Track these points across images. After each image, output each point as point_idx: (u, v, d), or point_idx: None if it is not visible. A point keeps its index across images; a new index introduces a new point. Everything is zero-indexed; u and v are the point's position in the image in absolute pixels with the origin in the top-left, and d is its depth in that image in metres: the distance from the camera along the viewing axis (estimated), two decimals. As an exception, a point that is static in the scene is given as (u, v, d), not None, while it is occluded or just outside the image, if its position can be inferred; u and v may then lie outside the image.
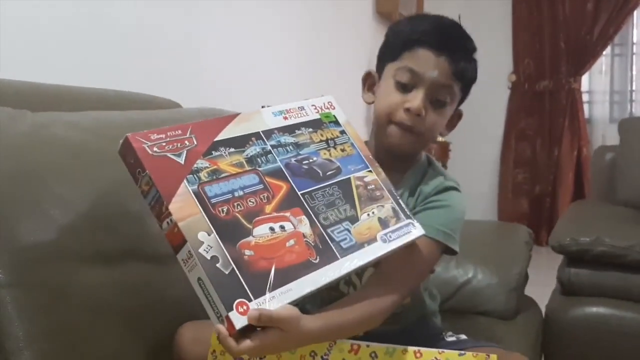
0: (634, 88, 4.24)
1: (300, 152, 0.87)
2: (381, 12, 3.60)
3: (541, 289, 1.90)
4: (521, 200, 4.40)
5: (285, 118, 0.90)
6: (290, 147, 0.87)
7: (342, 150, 0.92)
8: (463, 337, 1.11)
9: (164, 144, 0.78)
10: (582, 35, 4.15)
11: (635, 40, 4.22)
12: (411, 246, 0.90)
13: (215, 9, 2.08)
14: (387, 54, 1.03)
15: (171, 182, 0.74)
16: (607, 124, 4.21)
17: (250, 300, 0.71)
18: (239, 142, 0.83)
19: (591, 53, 4.16)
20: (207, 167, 0.78)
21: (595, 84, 4.34)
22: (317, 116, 0.93)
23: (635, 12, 4.12)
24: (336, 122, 0.94)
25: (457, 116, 1.08)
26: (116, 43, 1.62)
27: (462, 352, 0.89)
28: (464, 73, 0.98)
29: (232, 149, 0.81)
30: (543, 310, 1.77)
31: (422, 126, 0.98)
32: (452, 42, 0.98)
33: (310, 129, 0.91)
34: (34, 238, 0.87)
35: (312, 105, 0.94)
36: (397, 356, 0.90)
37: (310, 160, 0.87)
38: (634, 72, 4.23)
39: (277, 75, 2.53)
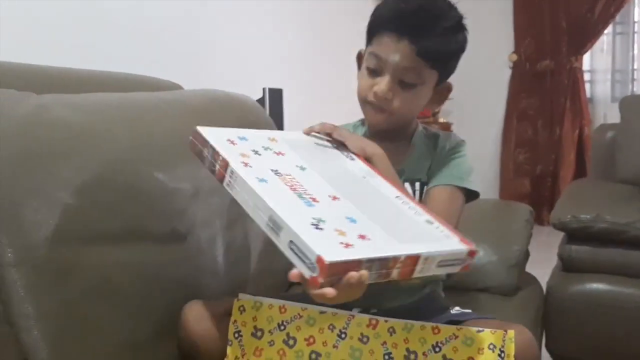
0: (635, 67, 4.22)
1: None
2: (381, -7, 3.59)
3: (543, 267, 1.91)
4: (523, 180, 4.41)
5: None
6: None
7: None
8: (468, 311, 1.13)
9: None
10: (583, 13, 4.12)
11: (637, 18, 4.19)
12: (447, 194, 1.05)
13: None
14: (367, 37, 1.08)
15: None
16: (608, 103, 4.19)
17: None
18: None
19: (592, 32, 4.13)
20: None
21: (596, 63, 4.33)
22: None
23: (637, -10, 4.09)
24: None
25: (446, 89, 1.12)
26: (119, 26, 1.62)
27: (480, 329, 0.91)
28: (430, 52, 1.00)
29: None
30: (544, 287, 1.79)
31: (392, 106, 1.04)
32: (414, 25, 0.99)
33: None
34: (41, 218, 0.88)
35: None
36: (415, 332, 0.93)
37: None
38: (636, 51, 4.21)
39: (277, 56, 2.53)
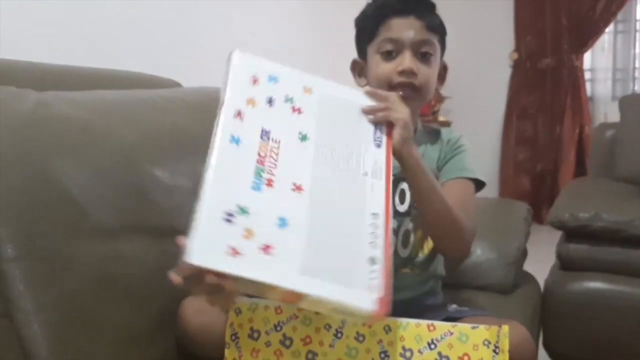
0: (636, 65, 4.21)
1: None
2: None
3: (542, 266, 1.92)
4: (523, 179, 4.41)
5: None
6: None
7: None
8: (465, 309, 1.15)
9: None
10: (585, 11, 4.12)
11: (638, 17, 4.18)
12: (460, 187, 1.09)
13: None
14: (364, 38, 1.13)
15: None
16: (609, 102, 4.18)
17: None
18: None
19: (594, 30, 4.12)
20: None
21: (597, 62, 4.32)
22: None
23: (639, -11, 4.09)
24: None
25: (444, 68, 1.18)
26: (118, 24, 1.62)
27: (475, 325, 0.92)
28: (434, 25, 1.10)
29: None
30: (542, 286, 1.80)
31: (420, 80, 1.07)
32: (413, 2, 1.09)
33: None
34: (40, 213, 0.89)
35: None
36: (411, 330, 0.93)
37: None
38: (637, 50, 4.20)
39: (275, 53, 2.53)
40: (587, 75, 4.30)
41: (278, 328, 0.95)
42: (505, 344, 0.89)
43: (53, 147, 0.95)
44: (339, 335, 0.94)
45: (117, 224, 0.99)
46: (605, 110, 4.18)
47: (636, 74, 4.22)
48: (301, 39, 2.76)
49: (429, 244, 1.14)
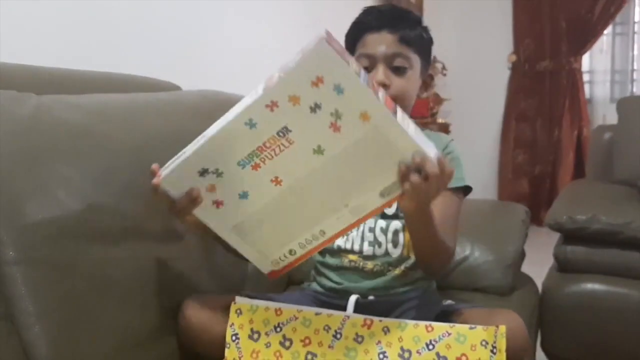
0: (635, 67, 4.22)
1: None
2: (381, -7, 3.61)
3: (540, 268, 1.93)
4: (521, 181, 4.42)
5: None
6: None
7: None
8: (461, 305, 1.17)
9: None
10: (583, 14, 4.13)
11: (637, 19, 4.19)
12: (445, 202, 1.07)
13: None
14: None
15: None
16: (607, 104, 4.19)
17: None
18: None
19: (592, 32, 4.14)
20: None
21: (596, 64, 4.33)
22: None
23: (637, -10, 4.10)
24: None
25: (430, 77, 1.20)
26: (117, 28, 1.63)
27: (473, 326, 0.93)
28: (408, 38, 1.10)
29: None
30: (540, 288, 1.81)
31: (393, 92, 1.09)
32: (387, 17, 1.11)
33: None
34: (41, 217, 0.90)
35: None
36: (409, 330, 0.94)
37: None
38: (635, 52, 4.21)
39: (275, 56, 2.54)
40: (585, 78, 4.31)
41: (278, 329, 0.97)
42: (502, 344, 0.90)
43: (53, 151, 0.96)
44: (338, 336, 0.95)
45: (118, 227, 0.99)
46: (604, 113, 4.20)
47: (634, 76, 4.23)
48: (301, 43, 2.77)
49: None
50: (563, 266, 1.86)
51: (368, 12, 1.15)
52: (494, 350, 0.90)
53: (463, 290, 1.45)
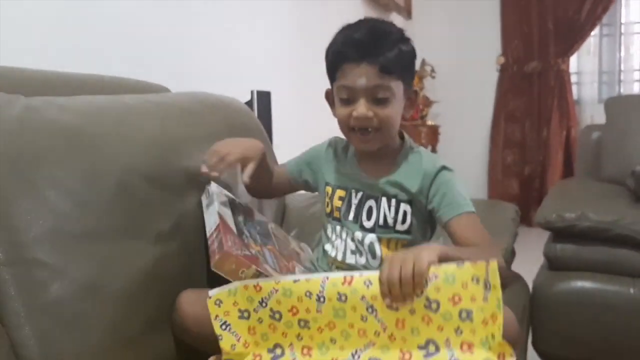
0: (622, 68, 4.26)
1: None
2: (370, -3, 3.63)
3: (531, 268, 1.94)
4: (511, 182, 4.44)
5: None
6: None
7: None
8: None
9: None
10: (570, 15, 4.17)
11: (623, 20, 4.23)
12: (470, 221, 1.09)
13: (204, -6, 2.10)
14: (329, 75, 1.15)
15: None
16: (595, 105, 4.22)
17: None
18: None
19: (579, 34, 4.17)
20: None
21: (583, 65, 4.36)
22: None
23: (623, -8, 4.14)
24: None
25: (414, 94, 1.17)
26: (106, 30, 1.63)
27: (460, 262, 0.88)
28: (389, 67, 1.06)
29: None
30: (531, 287, 1.82)
31: (375, 124, 1.08)
32: (366, 47, 1.07)
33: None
34: (30, 218, 0.90)
35: None
36: None
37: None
38: (622, 53, 4.26)
39: (265, 58, 2.55)
40: (573, 79, 4.35)
41: (264, 304, 0.96)
42: (496, 279, 0.85)
43: (42, 152, 0.96)
44: (322, 299, 0.94)
45: (108, 228, 0.99)
46: (592, 113, 4.23)
47: (622, 77, 4.27)
48: (292, 47, 2.78)
49: None
50: (553, 264, 1.87)
51: (347, 42, 1.09)
52: (488, 286, 0.86)
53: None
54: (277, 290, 0.96)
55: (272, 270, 1.05)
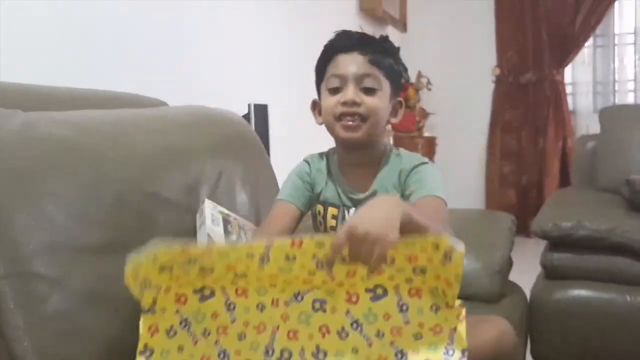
0: (616, 79, 4.29)
1: None
2: (365, 9, 3.66)
3: (529, 278, 1.94)
4: (508, 192, 4.45)
5: None
6: None
7: None
8: None
9: None
10: (564, 26, 4.20)
11: (617, 31, 4.26)
12: (433, 203, 1.07)
13: (200, 7, 2.12)
14: (317, 79, 1.18)
15: None
16: (591, 115, 4.24)
17: None
18: None
19: (574, 44, 4.20)
20: None
21: (578, 76, 4.39)
22: None
23: (616, 3, 4.17)
24: None
25: (399, 104, 1.20)
26: (104, 45, 1.64)
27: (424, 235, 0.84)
28: (379, 62, 1.12)
29: None
30: (528, 296, 1.82)
31: (364, 110, 1.11)
32: (359, 40, 1.14)
33: None
34: (29, 231, 0.90)
35: None
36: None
37: None
38: (616, 63, 4.28)
39: (262, 72, 2.56)
40: (568, 89, 4.37)
41: (192, 263, 0.86)
42: (457, 261, 0.80)
43: (41, 165, 0.96)
44: (266, 260, 0.85)
45: (106, 241, 1.00)
46: (588, 123, 4.25)
47: (616, 87, 4.30)
48: (289, 61, 2.80)
49: None
50: (550, 273, 1.88)
51: (340, 35, 1.16)
52: (448, 257, 0.80)
53: (451, 298, 1.46)
54: (210, 251, 0.87)
55: None
